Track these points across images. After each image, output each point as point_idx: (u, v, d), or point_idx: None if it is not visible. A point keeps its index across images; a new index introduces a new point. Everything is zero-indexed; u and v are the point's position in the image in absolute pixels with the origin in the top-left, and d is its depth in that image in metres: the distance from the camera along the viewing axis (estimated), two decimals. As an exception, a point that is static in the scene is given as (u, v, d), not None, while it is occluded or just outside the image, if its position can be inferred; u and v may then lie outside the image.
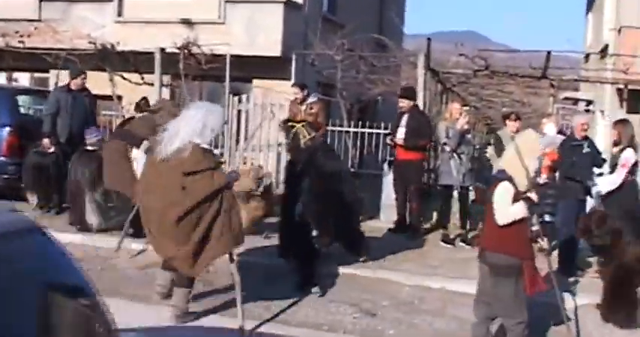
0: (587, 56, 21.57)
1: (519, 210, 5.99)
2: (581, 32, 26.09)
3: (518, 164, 6.00)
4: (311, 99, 11.59)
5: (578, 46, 23.76)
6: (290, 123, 9.12)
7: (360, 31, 16.37)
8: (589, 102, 20.96)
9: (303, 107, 11.57)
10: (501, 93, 16.40)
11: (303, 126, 8.94)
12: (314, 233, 8.68)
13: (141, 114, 10.12)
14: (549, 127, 10.80)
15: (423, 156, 11.69)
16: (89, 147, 10.69)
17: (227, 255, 7.01)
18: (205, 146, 6.83)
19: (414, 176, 11.30)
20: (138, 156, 9.16)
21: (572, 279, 9.20)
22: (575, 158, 9.57)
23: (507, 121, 11.41)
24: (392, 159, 12.00)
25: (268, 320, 7.42)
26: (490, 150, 11.57)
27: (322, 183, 8.55)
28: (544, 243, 6.45)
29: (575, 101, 22.70)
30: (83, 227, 10.45)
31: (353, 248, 9.40)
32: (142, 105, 11.50)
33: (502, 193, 6.00)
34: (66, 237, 9.97)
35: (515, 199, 5.98)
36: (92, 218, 10.42)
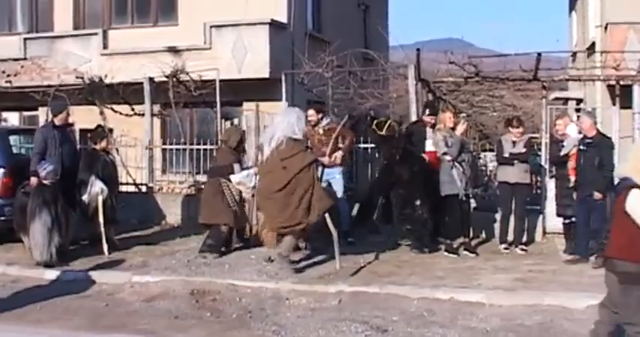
0: (574, 55, 21.59)
1: None
2: (564, 31, 26.18)
3: None
4: (324, 122, 11.58)
5: (564, 45, 23.79)
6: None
7: (346, 46, 16.39)
8: (579, 101, 20.96)
9: (321, 130, 11.53)
10: (492, 98, 16.34)
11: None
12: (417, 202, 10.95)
13: (220, 147, 11.85)
14: (572, 128, 10.83)
15: None
16: (44, 182, 10.59)
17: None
18: (295, 136, 9.53)
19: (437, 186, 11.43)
20: (240, 179, 10.80)
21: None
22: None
23: (510, 127, 11.42)
24: None
25: (279, 345, 7.40)
26: (489, 156, 11.57)
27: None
28: None
29: (565, 101, 22.69)
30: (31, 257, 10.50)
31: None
32: (98, 133, 11.65)
33: (638, 199, 6.02)
34: (68, 275, 9.95)
35: None
36: (35, 250, 10.39)
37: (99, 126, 12.26)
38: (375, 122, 11.59)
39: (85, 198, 11.11)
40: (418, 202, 10.93)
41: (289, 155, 9.47)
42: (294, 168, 9.44)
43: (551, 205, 11.81)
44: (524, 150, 11.22)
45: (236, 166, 11.00)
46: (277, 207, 9.54)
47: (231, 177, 10.83)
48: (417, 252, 11.00)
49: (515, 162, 11.19)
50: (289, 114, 9.81)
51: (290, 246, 9.79)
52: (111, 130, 15.02)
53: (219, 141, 12.09)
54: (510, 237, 11.48)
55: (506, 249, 11.27)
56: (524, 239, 11.43)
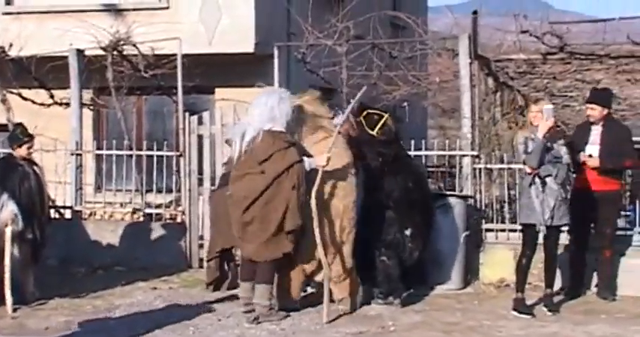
0: None
1: None
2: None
3: None
4: (338, 120, 11.42)
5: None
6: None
7: (367, 8, 16.43)
8: None
9: None
10: (582, 83, 16.31)
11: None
12: None
13: None
14: None
15: (621, 186, 12.09)
16: None
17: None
18: (276, 129, 10.01)
19: (611, 213, 11.67)
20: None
21: None
22: None
23: None
24: None
25: None
26: None
27: None
28: None
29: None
30: None
31: None
32: (17, 134, 11.58)
33: None
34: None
35: None
36: None
37: (19, 124, 12.18)
38: (364, 113, 11.61)
39: None
40: (409, 231, 11.33)
41: (268, 155, 9.98)
42: (273, 171, 9.95)
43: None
44: None
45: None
46: (253, 229, 10.11)
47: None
48: (382, 302, 11.29)
49: None
50: (269, 97, 10.26)
51: (266, 293, 10.29)
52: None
53: None
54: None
55: None
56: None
